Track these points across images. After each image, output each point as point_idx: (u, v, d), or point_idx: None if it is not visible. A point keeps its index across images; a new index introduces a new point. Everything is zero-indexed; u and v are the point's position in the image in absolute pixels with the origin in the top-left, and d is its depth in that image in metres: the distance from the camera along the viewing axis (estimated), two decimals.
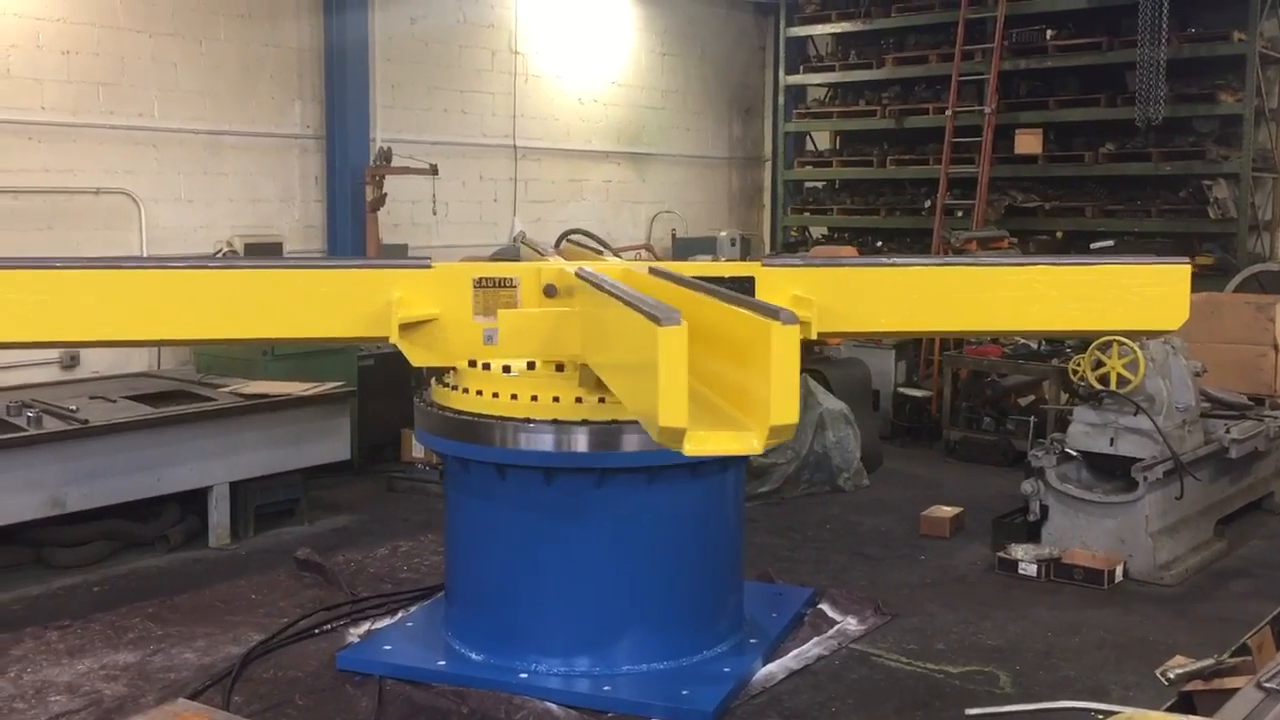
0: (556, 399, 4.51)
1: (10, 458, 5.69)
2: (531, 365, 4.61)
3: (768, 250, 13.38)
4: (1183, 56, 10.24)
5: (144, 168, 8.54)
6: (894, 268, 4.65)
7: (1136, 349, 6.17)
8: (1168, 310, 4.43)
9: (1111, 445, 6.29)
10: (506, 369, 4.62)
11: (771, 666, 4.84)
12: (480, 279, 4.55)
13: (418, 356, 4.47)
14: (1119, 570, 6.00)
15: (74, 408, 6.13)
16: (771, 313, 2.75)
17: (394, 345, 4.43)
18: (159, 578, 6.02)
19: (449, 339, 4.47)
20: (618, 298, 3.31)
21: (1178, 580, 6.03)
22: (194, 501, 6.54)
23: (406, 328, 4.30)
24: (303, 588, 5.79)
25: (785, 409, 2.72)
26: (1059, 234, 11.16)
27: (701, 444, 2.79)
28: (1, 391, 6.73)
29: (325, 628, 5.22)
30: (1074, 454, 6.43)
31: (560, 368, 4.59)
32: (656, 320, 2.73)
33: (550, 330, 4.33)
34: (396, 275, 4.41)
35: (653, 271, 4.55)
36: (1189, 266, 4.60)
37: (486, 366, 4.64)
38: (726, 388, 3.03)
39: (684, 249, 12.11)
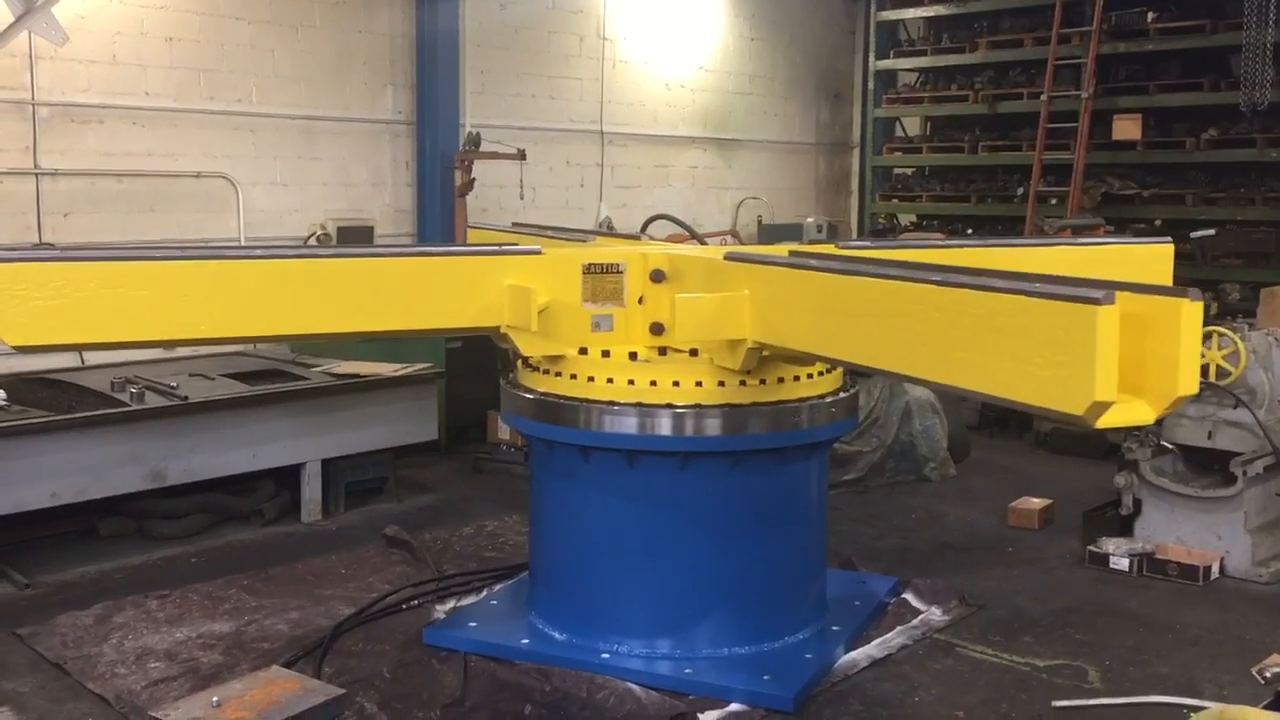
0: (638, 382, 4.50)
1: (114, 432, 5.90)
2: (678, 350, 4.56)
3: (855, 238, 13.25)
4: None
5: (242, 152, 8.76)
6: (944, 249, 5.02)
7: (1238, 340, 5.99)
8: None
9: (1209, 439, 6.11)
10: (598, 352, 4.62)
11: (854, 654, 4.81)
12: (589, 265, 4.57)
13: (529, 345, 4.49)
14: (1215, 567, 5.84)
15: (174, 385, 6.32)
16: (1179, 292, 2.96)
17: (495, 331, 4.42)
18: (254, 551, 6.19)
19: (561, 326, 4.48)
20: (983, 287, 3.25)
21: (1276, 578, 5.84)
22: (287, 478, 6.71)
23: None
24: (391, 564, 5.91)
25: (1190, 381, 2.97)
26: (1157, 222, 10.85)
27: (1116, 416, 2.97)
28: (105, 368, 6.96)
29: (412, 603, 5.32)
30: (1169, 447, 6.27)
31: (655, 353, 4.60)
32: (1094, 301, 2.87)
33: (728, 314, 4.24)
34: (509, 262, 4.44)
35: (795, 254, 4.52)
36: (1172, 245, 5.31)
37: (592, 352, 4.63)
38: None
39: (770, 235, 12.05)
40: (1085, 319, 2.89)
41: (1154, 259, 5.26)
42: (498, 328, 4.46)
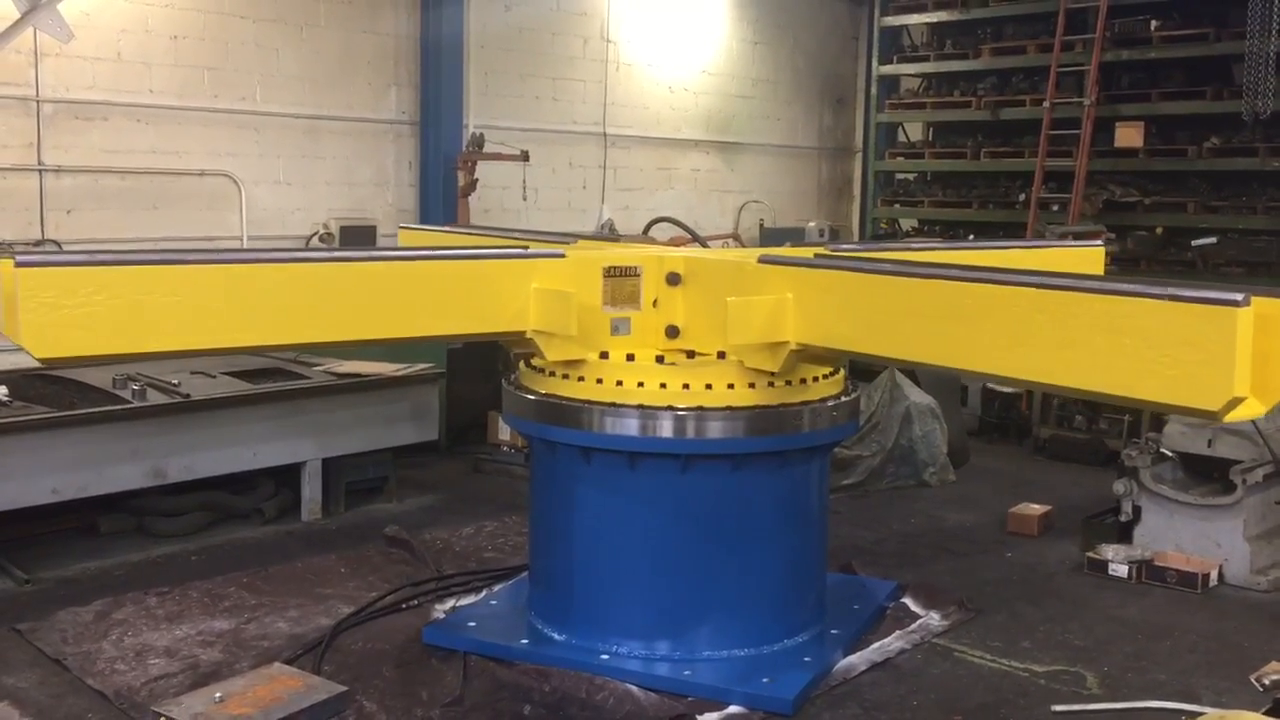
0: (641, 384, 4.51)
1: (116, 429, 5.91)
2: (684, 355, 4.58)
3: (856, 241, 13.26)
4: None
5: (245, 150, 8.77)
6: (913, 250, 5.19)
7: None
8: None
9: (1209, 446, 6.13)
10: (622, 355, 4.62)
11: (853, 658, 4.81)
12: (609, 268, 4.58)
13: (556, 349, 4.47)
14: (1214, 574, 5.85)
15: (176, 382, 6.32)
16: None
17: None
18: (253, 549, 6.19)
19: (584, 330, 4.46)
20: (1104, 290, 3.34)
21: (1275, 586, 5.85)
22: (288, 476, 6.72)
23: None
24: (391, 563, 5.91)
25: None
26: (1158, 230, 10.85)
27: (1243, 410, 3.11)
28: (108, 365, 6.97)
29: (412, 603, 5.33)
30: (1169, 454, 6.28)
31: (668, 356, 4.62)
32: (1235, 304, 3.02)
33: (777, 317, 4.25)
34: (535, 265, 4.42)
35: (827, 257, 4.55)
36: (1103, 248, 5.77)
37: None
38: None
39: (771, 239, 12.06)
40: (1225, 320, 3.01)
41: (1087, 260, 5.66)
42: (522, 332, 4.43)
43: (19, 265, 3.40)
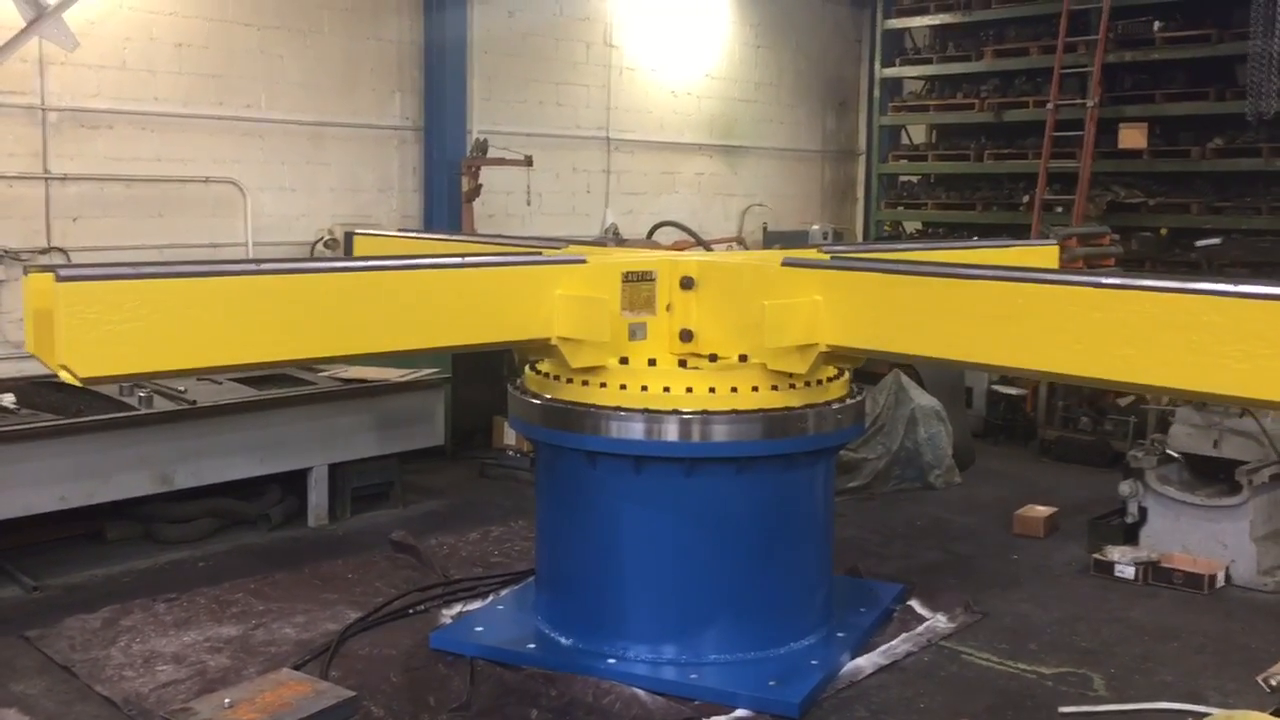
0: (646, 388, 4.52)
1: (123, 436, 5.92)
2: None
3: (860, 243, 13.25)
4: None
5: (250, 157, 8.79)
6: (896, 250, 5.50)
7: None
8: None
9: (1215, 447, 6.12)
10: (644, 360, 4.63)
11: (859, 661, 4.82)
12: (627, 273, 4.60)
13: (581, 356, 4.47)
14: (1220, 575, 5.84)
15: (183, 389, 6.34)
16: None
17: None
18: (260, 555, 6.21)
19: (609, 335, 4.46)
20: (1170, 289, 3.43)
21: None
22: (294, 482, 6.73)
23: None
24: (397, 569, 5.92)
25: None
26: (1162, 231, 10.85)
27: None
28: None
29: (419, 608, 5.34)
30: (1175, 456, 6.27)
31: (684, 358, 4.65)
32: None
33: (812, 319, 4.27)
34: (558, 271, 4.44)
35: (854, 259, 4.58)
36: (1057, 246, 6.03)
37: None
38: None
39: (775, 242, 12.06)
40: None
41: (1040, 258, 5.90)
42: (547, 339, 4.42)
43: (60, 280, 3.23)
